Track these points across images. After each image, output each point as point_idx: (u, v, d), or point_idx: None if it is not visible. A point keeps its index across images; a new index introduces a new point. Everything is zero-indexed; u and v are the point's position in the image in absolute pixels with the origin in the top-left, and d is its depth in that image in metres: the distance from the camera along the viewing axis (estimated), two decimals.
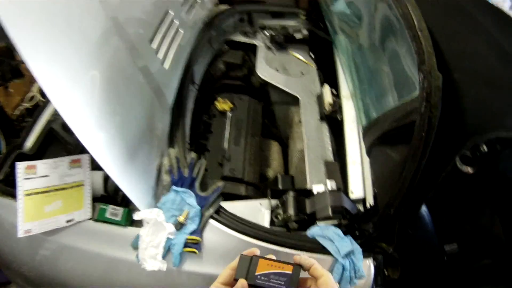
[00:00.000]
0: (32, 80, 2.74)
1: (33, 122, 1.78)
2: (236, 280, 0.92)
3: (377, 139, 1.28)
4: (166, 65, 1.69)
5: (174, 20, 1.80)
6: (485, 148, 1.88)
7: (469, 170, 1.87)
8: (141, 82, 1.50)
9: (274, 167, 1.97)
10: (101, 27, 1.29)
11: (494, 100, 1.07)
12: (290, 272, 0.91)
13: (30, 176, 1.39)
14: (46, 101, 1.91)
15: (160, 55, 1.66)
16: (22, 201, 1.36)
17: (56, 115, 1.79)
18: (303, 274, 0.91)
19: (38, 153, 1.73)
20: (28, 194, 1.37)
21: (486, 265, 1.90)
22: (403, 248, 1.39)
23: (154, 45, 1.62)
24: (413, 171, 1.02)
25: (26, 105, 2.73)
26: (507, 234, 1.87)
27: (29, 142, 1.70)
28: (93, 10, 1.27)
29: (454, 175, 1.84)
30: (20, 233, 1.34)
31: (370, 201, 1.50)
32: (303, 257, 0.92)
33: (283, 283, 0.91)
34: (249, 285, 0.90)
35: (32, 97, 2.73)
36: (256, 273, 0.91)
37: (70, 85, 1.11)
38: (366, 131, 1.38)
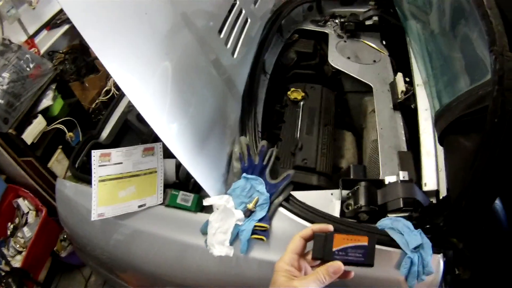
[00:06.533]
0: (108, 75, 2.92)
1: (109, 114, 1.88)
2: (314, 259, 0.93)
3: (449, 126, 1.21)
4: (236, 55, 1.72)
5: (242, 10, 1.83)
6: None
7: None
8: (213, 72, 1.53)
9: (348, 158, 1.95)
10: (171, 21, 1.33)
11: None
12: (366, 244, 0.92)
13: (105, 163, 1.47)
14: (121, 94, 2.00)
15: (230, 45, 1.69)
16: (97, 186, 1.44)
17: (130, 107, 1.88)
18: None
19: (114, 143, 1.81)
20: (102, 180, 1.45)
21: None
22: (475, 247, 1.31)
23: (223, 36, 1.65)
24: (486, 161, 0.96)
25: (102, 98, 2.92)
26: None
27: (105, 132, 1.80)
28: (162, 6, 1.31)
29: None
30: (94, 217, 1.42)
31: (443, 194, 1.43)
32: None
33: (361, 255, 0.92)
34: (326, 261, 0.91)
35: (108, 91, 2.92)
36: (333, 249, 0.91)
37: (142, 78, 1.15)
38: (438, 118, 1.31)
